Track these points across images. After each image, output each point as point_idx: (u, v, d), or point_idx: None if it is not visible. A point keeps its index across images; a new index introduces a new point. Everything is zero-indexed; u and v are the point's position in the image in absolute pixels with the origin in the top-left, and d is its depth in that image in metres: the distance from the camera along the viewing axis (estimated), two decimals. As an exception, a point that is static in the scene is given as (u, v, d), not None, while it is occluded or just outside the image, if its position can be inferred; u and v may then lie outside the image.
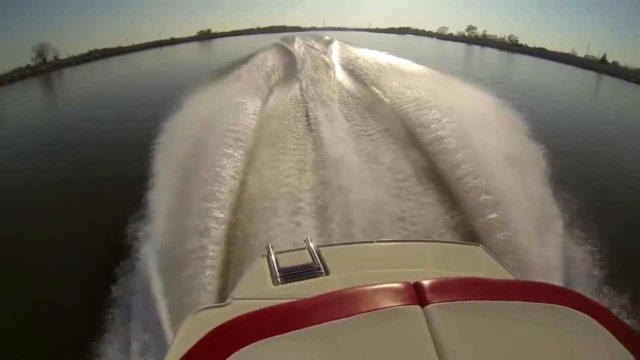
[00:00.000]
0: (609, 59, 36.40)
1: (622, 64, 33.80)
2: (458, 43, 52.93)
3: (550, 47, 43.33)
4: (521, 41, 48.29)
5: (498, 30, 66.29)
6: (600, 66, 34.22)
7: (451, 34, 60.36)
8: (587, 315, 1.23)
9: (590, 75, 32.75)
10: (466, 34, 57.83)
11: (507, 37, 50.39)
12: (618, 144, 11.85)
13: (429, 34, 62.98)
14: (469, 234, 5.21)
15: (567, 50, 41.59)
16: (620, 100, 23.74)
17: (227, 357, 1.08)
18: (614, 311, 3.62)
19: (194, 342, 1.19)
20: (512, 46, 46.49)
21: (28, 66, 29.21)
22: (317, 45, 24.57)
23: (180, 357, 1.17)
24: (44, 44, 29.38)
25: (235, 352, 1.08)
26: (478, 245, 2.61)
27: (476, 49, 48.67)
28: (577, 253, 5.30)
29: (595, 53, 38.46)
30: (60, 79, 30.88)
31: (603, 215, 6.12)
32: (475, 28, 57.66)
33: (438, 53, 39.36)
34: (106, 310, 4.43)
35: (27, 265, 5.75)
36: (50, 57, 29.94)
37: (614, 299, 4.40)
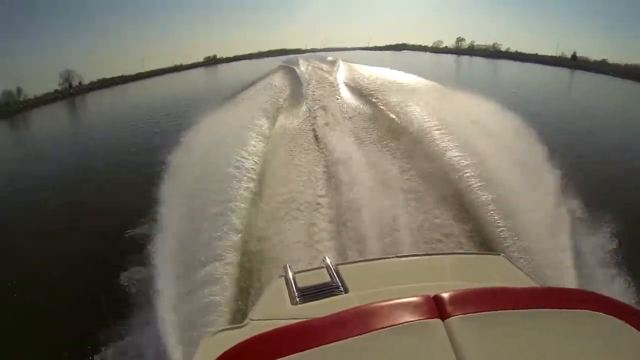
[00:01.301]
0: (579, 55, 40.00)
1: (591, 59, 36.95)
2: (451, 55, 56.29)
3: (529, 50, 46.99)
4: (504, 47, 52.02)
5: (484, 39, 70.73)
6: (572, 63, 37.27)
7: (446, 46, 63.88)
8: (618, 319, 1.17)
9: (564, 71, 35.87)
10: (456, 45, 61.46)
11: (491, 45, 54.01)
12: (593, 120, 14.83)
13: (424, 49, 66.50)
14: (489, 243, 5.12)
15: (543, 52, 45.14)
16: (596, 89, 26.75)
17: None
18: None
19: None
20: (495, 53, 49.85)
21: (56, 91, 32.62)
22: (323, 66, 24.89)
23: None
24: (69, 70, 33.06)
25: None
26: (499, 255, 2.59)
27: (465, 59, 51.93)
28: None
29: (567, 52, 42.28)
30: (84, 103, 33.63)
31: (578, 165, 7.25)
32: (464, 39, 61.42)
33: (433, 65, 41.58)
34: (118, 333, 4.46)
35: (39, 283, 5.94)
36: (75, 82, 33.38)
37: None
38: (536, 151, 7.54)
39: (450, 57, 53.11)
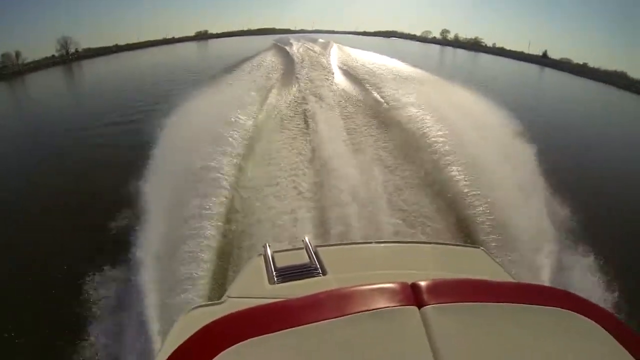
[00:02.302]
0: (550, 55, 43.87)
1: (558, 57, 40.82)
2: (437, 45, 58.74)
3: (508, 46, 50.32)
4: (485, 41, 55.19)
5: (467, 32, 74.01)
6: (542, 60, 40.75)
7: (434, 37, 66.10)
8: (589, 320, 1.21)
9: (534, 67, 39.26)
10: (440, 37, 63.88)
11: (473, 38, 56.85)
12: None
13: (413, 37, 68.40)
14: (470, 237, 5.20)
15: (519, 49, 48.58)
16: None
17: (217, 354, 1.06)
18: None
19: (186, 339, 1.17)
20: (476, 46, 52.76)
21: (53, 56, 33.46)
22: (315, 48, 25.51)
23: (170, 353, 1.14)
24: (66, 37, 33.83)
25: (226, 350, 1.07)
26: (479, 248, 2.61)
27: (449, 50, 54.54)
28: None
29: (539, 51, 46.17)
30: (80, 69, 34.16)
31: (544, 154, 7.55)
32: (449, 31, 63.86)
33: (420, 55, 44.24)
34: (98, 307, 4.43)
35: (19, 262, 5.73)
36: (72, 49, 34.23)
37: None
38: (508, 128, 8.74)
39: (436, 48, 55.57)
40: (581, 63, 38.58)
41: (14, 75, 29.41)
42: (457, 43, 58.63)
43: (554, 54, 43.95)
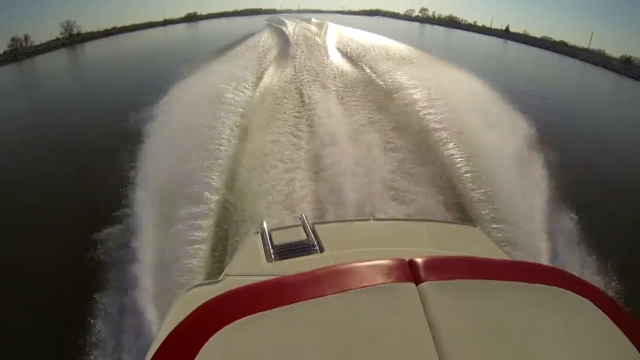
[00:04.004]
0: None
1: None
2: (418, 23, 62.18)
3: (481, 22, 54.76)
4: (460, 18, 59.20)
5: (443, 10, 77.52)
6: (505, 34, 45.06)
7: (418, 15, 68.99)
8: (583, 298, 1.24)
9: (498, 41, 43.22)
10: (424, 14, 67.21)
11: (449, 16, 60.91)
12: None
13: (397, 16, 71.07)
14: (467, 215, 5.14)
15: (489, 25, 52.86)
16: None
17: (215, 332, 1.07)
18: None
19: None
20: (451, 23, 56.82)
21: (58, 39, 36.08)
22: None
23: (169, 332, 1.14)
24: (70, 21, 36.39)
25: (224, 327, 1.08)
26: (475, 227, 2.65)
27: (427, 27, 58.03)
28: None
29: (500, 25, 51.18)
30: (83, 51, 36.22)
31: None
32: (427, 10, 67.44)
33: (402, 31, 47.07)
34: (96, 290, 4.36)
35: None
36: (75, 32, 36.88)
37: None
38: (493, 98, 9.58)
39: (417, 25, 59.05)
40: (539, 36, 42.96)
41: (24, 57, 32.14)
42: (436, 21, 62.28)
43: (515, 29, 48.67)
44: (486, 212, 5.15)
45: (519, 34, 45.91)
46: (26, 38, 32.89)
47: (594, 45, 35.14)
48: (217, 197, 5.38)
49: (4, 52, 30.67)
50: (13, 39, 32.38)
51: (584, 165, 8.65)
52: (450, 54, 22.19)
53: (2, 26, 33.44)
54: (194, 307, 1.19)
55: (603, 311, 1.22)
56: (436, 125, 7.60)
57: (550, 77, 24.36)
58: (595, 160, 9.48)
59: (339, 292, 1.16)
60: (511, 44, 41.26)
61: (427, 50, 19.03)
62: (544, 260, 4.34)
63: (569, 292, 1.26)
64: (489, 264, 1.44)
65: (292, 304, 1.13)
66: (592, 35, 37.13)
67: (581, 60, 31.87)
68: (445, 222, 4.01)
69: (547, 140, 7.95)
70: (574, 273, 1.45)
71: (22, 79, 27.00)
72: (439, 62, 15.08)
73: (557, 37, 40.99)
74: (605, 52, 32.57)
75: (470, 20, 57.05)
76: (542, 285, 1.26)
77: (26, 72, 28.68)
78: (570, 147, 9.56)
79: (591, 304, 1.23)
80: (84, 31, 37.72)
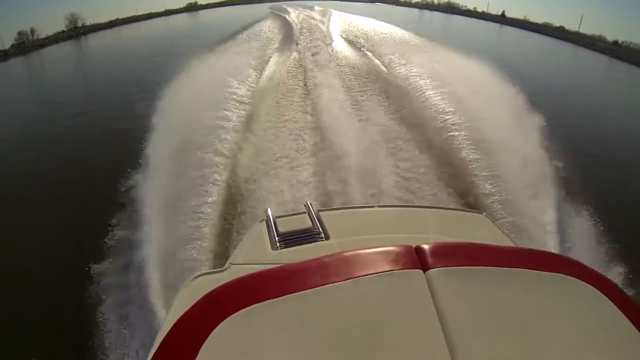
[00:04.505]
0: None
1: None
2: (417, 9, 62.30)
3: (481, 8, 54.54)
4: (460, 4, 59.27)
5: None
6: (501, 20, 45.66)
7: (417, 1, 68.76)
8: (590, 286, 1.24)
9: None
10: (419, 1, 67.09)
11: (447, 1, 60.86)
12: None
13: (397, 2, 70.92)
14: (473, 203, 5.10)
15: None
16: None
17: (222, 321, 1.07)
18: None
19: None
20: (450, 9, 57.20)
21: (63, 31, 36.99)
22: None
23: (174, 322, 1.14)
24: (74, 13, 37.25)
25: (230, 316, 1.07)
26: (482, 214, 2.64)
27: (426, 13, 58.23)
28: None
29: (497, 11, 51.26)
30: (87, 42, 37.02)
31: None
32: (427, -5, 67.15)
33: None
34: (104, 271, 4.42)
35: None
36: (79, 24, 37.79)
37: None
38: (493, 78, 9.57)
39: (416, 11, 59.23)
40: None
41: (31, 50, 33.06)
42: (434, 7, 62.41)
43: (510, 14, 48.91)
44: (493, 198, 5.10)
45: (514, 19, 46.36)
46: (32, 31, 33.71)
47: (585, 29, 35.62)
48: (221, 186, 5.39)
49: (12, 45, 31.48)
50: (20, 33, 33.18)
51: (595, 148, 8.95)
52: (450, 39, 22.84)
53: (9, 20, 34.02)
54: (199, 297, 1.19)
55: (610, 300, 1.20)
56: (441, 110, 7.66)
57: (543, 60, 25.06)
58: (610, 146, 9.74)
59: (346, 280, 1.15)
60: (507, 29, 41.72)
61: (426, 36, 19.58)
62: (552, 248, 4.29)
63: (576, 280, 1.25)
64: (496, 251, 1.44)
65: (299, 292, 1.12)
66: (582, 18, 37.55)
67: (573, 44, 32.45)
68: (451, 209, 4.02)
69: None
70: (581, 261, 1.43)
71: (29, 71, 27.76)
72: (441, 47, 15.55)
73: (555, 22, 41.29)
74: (596, 35, 33.05)
75: (470, 6, 57.13)
76: (550, 273, 1.26)
77: (34, 65, 29.33)
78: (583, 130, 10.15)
79: (598, 292, 1.22)
80: (88, 23, 38.38)
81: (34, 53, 32.52)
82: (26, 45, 33.71)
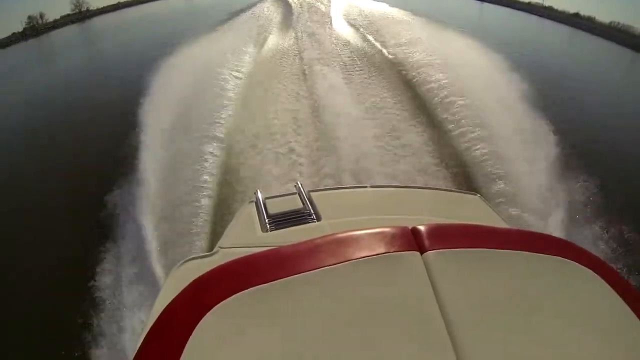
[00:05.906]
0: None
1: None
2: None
3: None
4: None
5: None
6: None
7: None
8: (588, 269, 1.24)
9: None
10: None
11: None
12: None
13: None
14: (467, 183, 5.08)
15: None
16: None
17: (212, 307, 1.04)
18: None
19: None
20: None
21: (69, 15, 39.18)
22: None
23: (162, 310, 1.10)
24: (79, -2, 39.33)
25: (220, 303, 1.04)
26: (476, 195, 2.64)
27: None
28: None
29: None
30: (91, 24, 39.26)
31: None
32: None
33: None
34: (95, 256, 4.42)
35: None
36: (84, 8, 39.92)
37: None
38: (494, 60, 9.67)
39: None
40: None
41: (43, 32, 35.37)
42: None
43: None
44: (492, 177, 5.10)
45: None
46: (41, 15, 35.84)
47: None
48: (209, 167, 5.43)
49: (24, 29, 33.79)
50: (30, 17, 35.34)
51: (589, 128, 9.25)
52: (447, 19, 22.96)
53: (17, 5, 36.19)
54: (188, 281, 1.16)
55: (608, 283, 1.20)
56: (437, 86, 8.05)
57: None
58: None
59: (340, 263, 1.13)
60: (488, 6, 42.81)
61: (424, 14, 19.56)
62: (549, 230, 4.32)
63: (574, 263, 1.25)
64: (494, 233, 1.46)
65: (292, 276, 1.10)
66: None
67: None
68: (445, 189, 4.00)
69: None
70: (580, 244, 1.42)
71: (46, 50, 30.24)
72: (439, 27, 15.79)
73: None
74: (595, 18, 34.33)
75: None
76: (548, 256, 1.26)
77: (45, 46, 31.76)
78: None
79: (596, 275, 1.22)
80: (92, 7, 40.49)
81: (44, 36, 34.93)
82: (37, 28, 35.91)
